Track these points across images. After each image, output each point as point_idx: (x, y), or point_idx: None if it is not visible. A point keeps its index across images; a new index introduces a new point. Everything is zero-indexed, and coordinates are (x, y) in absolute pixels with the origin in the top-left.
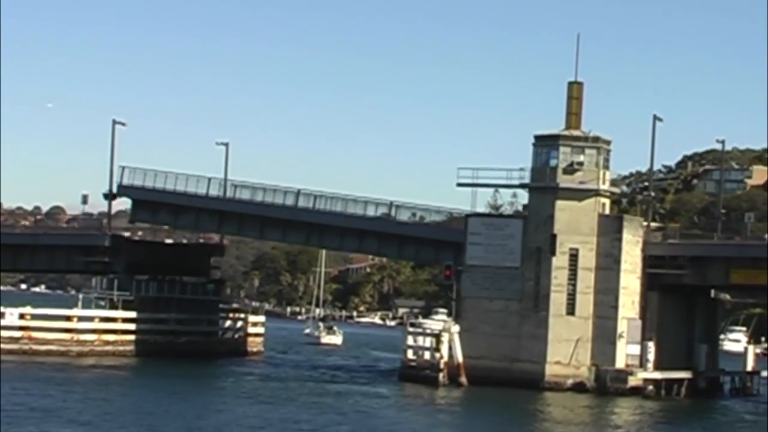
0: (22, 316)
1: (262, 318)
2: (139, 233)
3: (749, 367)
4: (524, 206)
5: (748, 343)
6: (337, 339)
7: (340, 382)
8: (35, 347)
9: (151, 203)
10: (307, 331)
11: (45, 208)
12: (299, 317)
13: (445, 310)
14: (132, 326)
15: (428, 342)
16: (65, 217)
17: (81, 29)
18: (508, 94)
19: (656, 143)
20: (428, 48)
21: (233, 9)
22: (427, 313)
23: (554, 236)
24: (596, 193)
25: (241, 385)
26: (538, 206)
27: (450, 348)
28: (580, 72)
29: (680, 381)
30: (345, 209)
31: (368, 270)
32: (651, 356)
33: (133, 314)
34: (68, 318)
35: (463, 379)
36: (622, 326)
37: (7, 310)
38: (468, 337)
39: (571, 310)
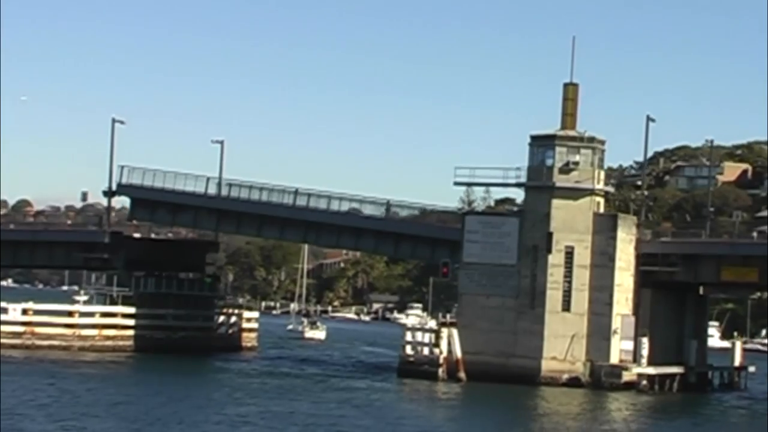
0: (24, 312)
1: (256, 314)
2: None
3: (737, 362)
4: (497, 201)
5: (721, 338)
6: (320, 334)
7: (341, 377)
8: (38, 342)
9: (149, 202)
10: (291, 326)
11: (41, 206)
12: (274, 312)
13: (419, 305)
14: (131, 321)
15: (427, 338)
16: (32, 211)
17: (80, 27)
18: (504, 95)
19: (631, 139)
20: (425, 48)
21: (230, 8)
22: (402, 308)
23: (550, 234)
24: (591, 192)
25: (250, 381)
26: (534, 205)
27: (449, 344)
28: (575, 73)
29: (673, 376)
30: (341, 208)
31: (342, 265)
32: (645, 352)
33: (132, 310)
34: (70, 314)
35: (462, 375)
36: (616, 322)
37: (10, 306)
38: (465, 333)
39: (566, 306)
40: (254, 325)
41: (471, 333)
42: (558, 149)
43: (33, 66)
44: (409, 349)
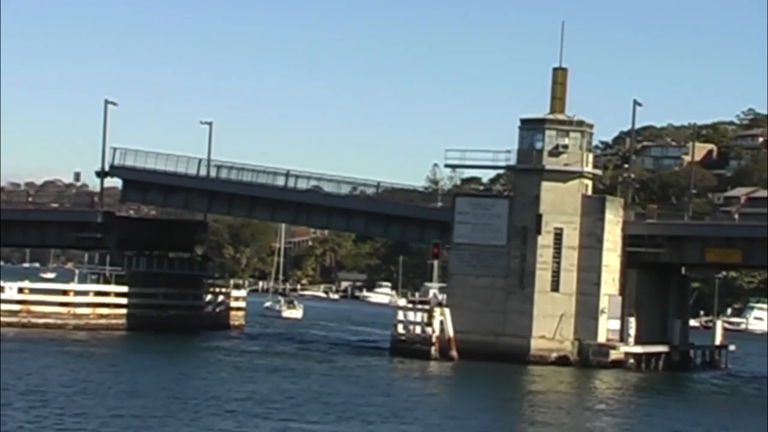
0: (21, 290)
1: (243, 293)
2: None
3: (717, 341)
4: (462, 180)
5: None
6: (297, 313)
7: (337, 355)
8: (33, 320)
9: (141, 183)
10: (268, 304)
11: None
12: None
13: (388, 284)
14: (124, 300)
15: (419, 317)
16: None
17: (72, 9)
18: (494, 79)
19: (597, 118)
20: (414, 31)
21: None
22: (371, 287)
23: (540, 216)
24: (580, 174)
25: (250, 359)
26: (524, 187)
27: (441, 323)
28: (564, 57)
29: (658, 354)
30: (332, 190)
31: (310, 243)
32: (632, 331)
33: (125, 289)
34: (65, 292)
35: (454, 353)
36: (603, 302)
37: (6, 285)
38: (456, 312)
39: (555, 286)
40: (242, 303)
41: (461, 312)
42: (547, 132)
43: (26, 47)
44: (401, 328)
